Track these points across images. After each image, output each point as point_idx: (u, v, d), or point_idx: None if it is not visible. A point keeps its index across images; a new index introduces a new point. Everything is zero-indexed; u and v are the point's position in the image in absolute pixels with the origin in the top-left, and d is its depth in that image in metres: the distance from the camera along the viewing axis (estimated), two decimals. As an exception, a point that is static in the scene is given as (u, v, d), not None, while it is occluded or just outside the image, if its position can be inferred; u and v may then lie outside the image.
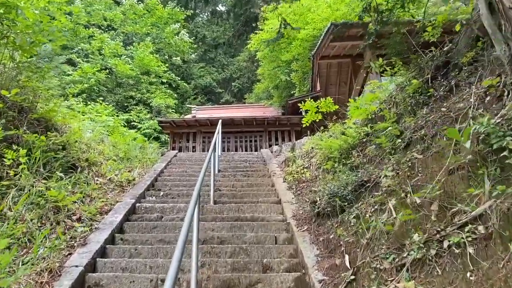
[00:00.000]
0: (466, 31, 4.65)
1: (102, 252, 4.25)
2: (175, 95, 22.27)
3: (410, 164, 3.72)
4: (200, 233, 4.27)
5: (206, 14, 33.15)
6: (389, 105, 5.24)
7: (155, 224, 5.10)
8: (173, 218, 5.41)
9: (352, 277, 3.28)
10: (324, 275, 3.58)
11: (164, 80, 22.08)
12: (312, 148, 7.27)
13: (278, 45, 16.20)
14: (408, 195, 3.35)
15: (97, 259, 4.05)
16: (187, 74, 26.62)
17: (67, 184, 5.18)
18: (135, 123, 17.37)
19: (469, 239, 2.44)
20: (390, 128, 4.56)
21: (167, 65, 22.23)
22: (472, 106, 3.36)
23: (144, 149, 9.20)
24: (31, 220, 4.17)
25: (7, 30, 5.66)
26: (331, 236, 4.12)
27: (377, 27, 6.30)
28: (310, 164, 6.95)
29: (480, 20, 4.09)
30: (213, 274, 3.87)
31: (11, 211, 4.14)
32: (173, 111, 20.43)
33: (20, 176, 4.62)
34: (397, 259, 2.93)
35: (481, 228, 2.42)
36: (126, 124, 15.80)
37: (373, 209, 3.82)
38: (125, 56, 20.61)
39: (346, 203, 4.39)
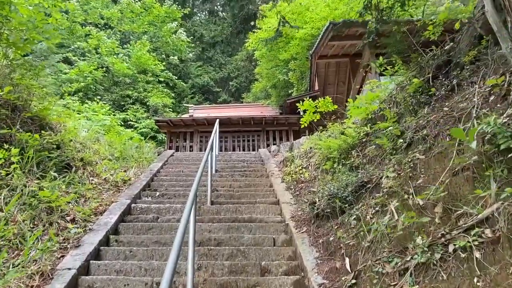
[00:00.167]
0: (467, 29, 4.58)
1: (96, 254, 4.14)
2: (172, 94, 22.11)
3: (412, 165, 3.64)
4: (196, 235, 4.17)
5: (204, 13, 33.04)
6: (389, 104, 5.16)
7: (150, 225, 5.00)
8: (169, 219, 5.31)
9: (353, 281, 3.18)
10: (324, 278, 3.49)
11: (161, 79, 21.94)
12: (311, 148, 7.18)
13: (276, 44, 16.10)
14: (411, 196, 3.27)
15: (91, 261, 3.94)
16: (184, 73, 26.43)
17: (61, 184, 5.07)
18: (132, 122, 17.22)
19: (476, 243, 2.36)
20: (390, 127, 4.49)
21: (164, 64, 22.07)
22: (475, 106, 3.29)
23: (141, 149, 9.06)
24: (23, 221, 4.05)
25: (0, 27, 5.54)
26: (331, 238, 4.03)
27: (378, 25, 6.22)
28: (309, 164, 6.86)
29: (483, 18, 4.03)
30: (210, 277, 3.78)
31: (2, 211, 4.02)
32: (170, 110, 20.31)
33: (12, 176, 4.51)
34: (400, 263, 2.84)
35: (488, 231, 2.35)
36: (123, 123, 15.67)
37: (374, 211, 3.74)
38: (122, 55, 20.46)
39: (346, 205, 4.31)
